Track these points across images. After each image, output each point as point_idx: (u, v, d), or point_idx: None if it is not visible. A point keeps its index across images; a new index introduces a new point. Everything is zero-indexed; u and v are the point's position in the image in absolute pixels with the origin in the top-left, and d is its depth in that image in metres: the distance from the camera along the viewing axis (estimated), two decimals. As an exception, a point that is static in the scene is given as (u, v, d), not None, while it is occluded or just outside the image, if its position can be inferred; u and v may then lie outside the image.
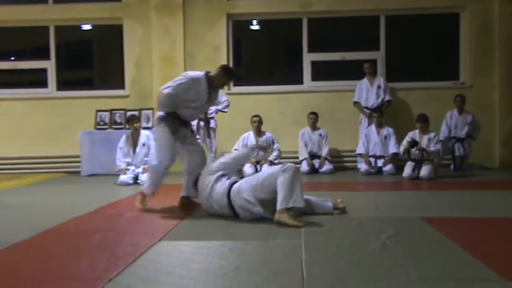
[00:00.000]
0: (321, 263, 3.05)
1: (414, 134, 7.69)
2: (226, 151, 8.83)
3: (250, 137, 8.15)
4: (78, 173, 8.70)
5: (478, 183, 7.08)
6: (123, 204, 5.62)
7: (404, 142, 7.60)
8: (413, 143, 7.40)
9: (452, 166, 8.24)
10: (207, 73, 5.02)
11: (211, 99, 5.18)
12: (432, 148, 7.49)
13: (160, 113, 4.97)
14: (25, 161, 9.24)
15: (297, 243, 3.52)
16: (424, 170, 7.34)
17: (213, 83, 5.01)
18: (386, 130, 8.22)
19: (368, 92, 8.59)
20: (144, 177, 7.26)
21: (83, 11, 9.41)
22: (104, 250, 3.51)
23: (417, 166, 7.40)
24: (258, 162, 8.00)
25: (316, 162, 8.48)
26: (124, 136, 7.70)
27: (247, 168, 7.82)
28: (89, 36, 10.29)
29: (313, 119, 8.60)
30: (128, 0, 9.34)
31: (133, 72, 9.38)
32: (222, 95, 8.48)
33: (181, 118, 5.01)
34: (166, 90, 4.85)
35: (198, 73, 4.99)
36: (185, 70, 9.01)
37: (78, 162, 8.75)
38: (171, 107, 4.93)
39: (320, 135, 8.60)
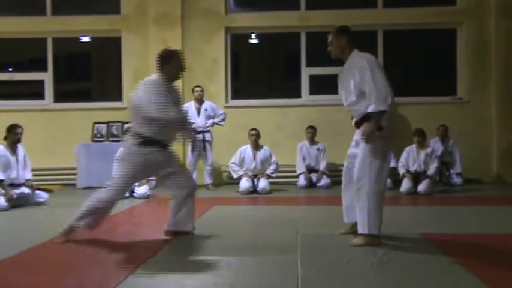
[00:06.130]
0: (317, 280, 3.00)
1: (411, 149, 7.66)
2: (223, 164, 8.83)
3: (247, 150, 8.10)
4: (73, 185, 8.63)
5: (476, 198, 7.04)
6: (117, 218, 5.55)
7: (403, 159, 7.62)
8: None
9: None
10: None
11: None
12: (433, 171, 7.46)
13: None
14: (21, 173, 9.15)
15: (293, 260, 3.47)
16: (423, 185, 7.30)
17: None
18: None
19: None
20: (140, 190, 7.21)
21: (81, 23, 9.40)
22: (96, 265, 3.46)
23: (415, 181, 7.38)
24: (255, 176, 7.94)
25: (314, 177, 8.43)
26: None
27: (244, 182, 7.76)
28: (87, 48, 10.29)
29: (312, 133, 8.56)
30: (126, 13, 9.35)
31: (131, 84, 9.31)
32: (219, 108, 8.47)
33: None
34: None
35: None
36: (183, 83, 9.01)
37: (74, 174, 8.68)
38: None
39: (318, 149, 8.56)
